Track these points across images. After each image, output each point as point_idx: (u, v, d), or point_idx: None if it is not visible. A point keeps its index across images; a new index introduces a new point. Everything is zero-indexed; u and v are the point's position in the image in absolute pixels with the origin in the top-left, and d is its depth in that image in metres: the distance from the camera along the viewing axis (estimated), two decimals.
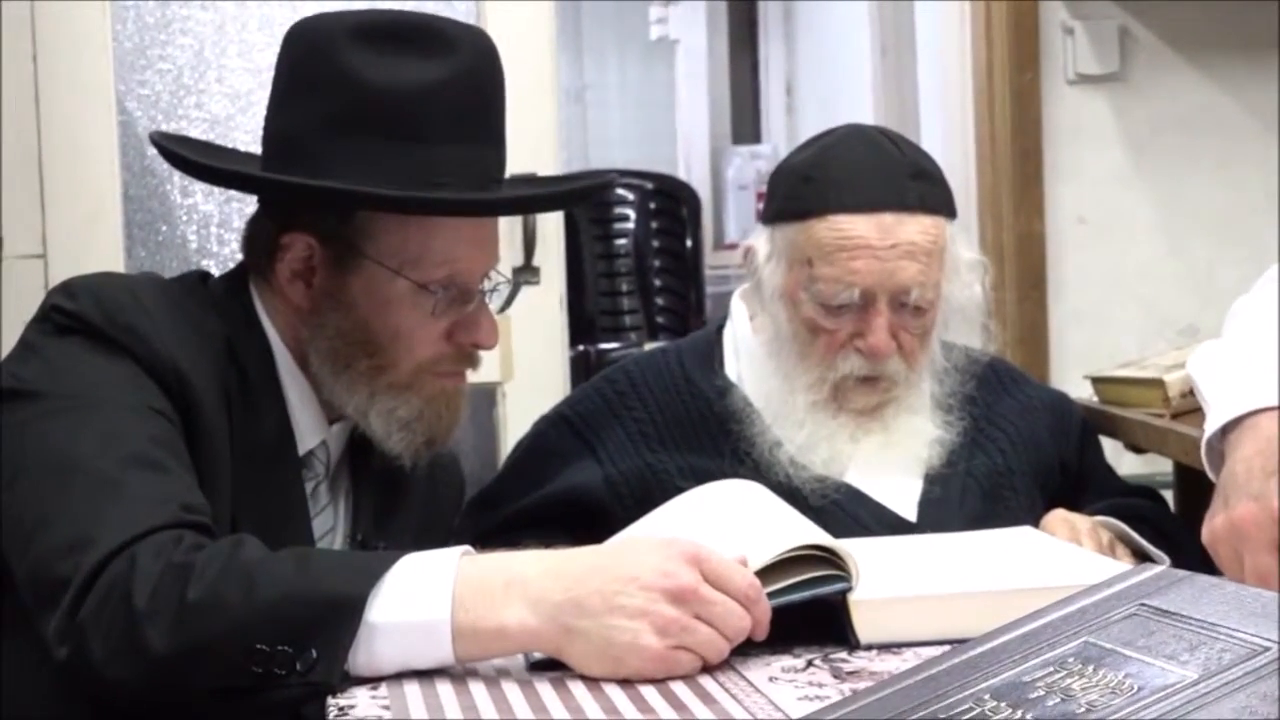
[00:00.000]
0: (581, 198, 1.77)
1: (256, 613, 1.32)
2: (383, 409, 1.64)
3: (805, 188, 1.95)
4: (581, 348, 4.53)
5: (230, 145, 3.17)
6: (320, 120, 1.61)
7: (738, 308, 2.07)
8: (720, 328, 2.09)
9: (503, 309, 1.71)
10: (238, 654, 1.32)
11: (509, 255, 3.22)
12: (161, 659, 1.32)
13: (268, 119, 1.68)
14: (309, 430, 1.68)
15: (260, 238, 1.67)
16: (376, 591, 1.33)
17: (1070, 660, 0.94)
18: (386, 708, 1.27)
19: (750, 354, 2.03)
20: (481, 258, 1.67)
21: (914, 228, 1.92)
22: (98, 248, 3.10)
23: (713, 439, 1.97)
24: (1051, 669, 0.93)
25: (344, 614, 1.32)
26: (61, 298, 1.58)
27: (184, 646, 1.32)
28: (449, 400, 1.67)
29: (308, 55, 1.64)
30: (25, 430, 1.49)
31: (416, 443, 1.66)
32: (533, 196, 1.88)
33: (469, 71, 1.63)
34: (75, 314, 1.56)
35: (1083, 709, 0.86)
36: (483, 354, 1.69)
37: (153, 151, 3.09)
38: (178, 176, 3.19)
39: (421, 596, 1.34)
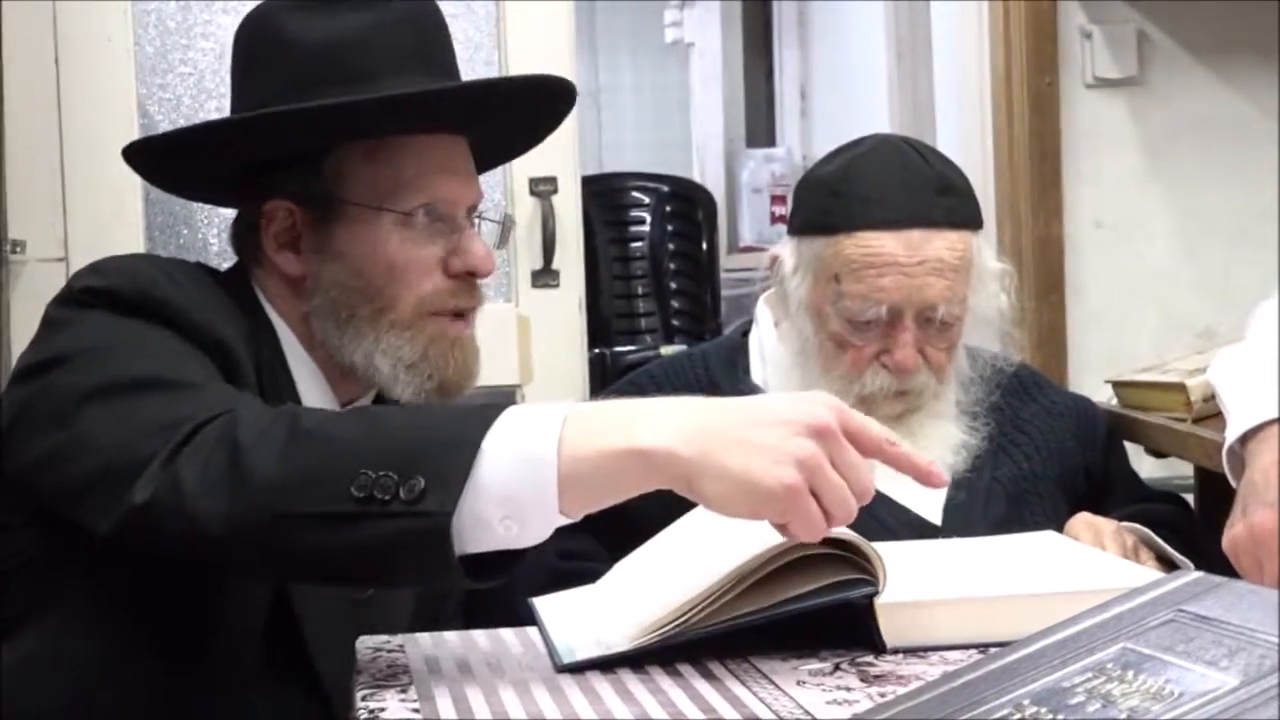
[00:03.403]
0: (541, 90, 1.71)
1: (367, 440, 1.26)
2: (387, 349, 1.62)
3: (832, 202, 1.95)
4: (597, 350, 4.53)
5: None
6: (274, 91, 1.62)
7: (763, 313, 2.07)
8: (746, 332, 2.09)
9: (500, 245, 1.71)
10: (341, 478, 1.24)
11: (528, 258, 3.23)
12: (261, 485, 1.26)
13: (231, 109, 1.70)
14: None
15: (242, 222, 1.69)
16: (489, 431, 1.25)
17: (1109, 666, 0.94)
18: (417, 710, 1.27)
19: (776, 361, 2.03)
20: (456, 184, 1.66)
21: (941, 244, 1.92)
22: (118, 250, 3.03)
23: None
24: (1090, 674, 0.93)
25: (457, 448, 1.24)
26: (89, 278, 1.53)
27: (286, 472, 1.26)
28: (453, 344, 1.65)
29: (252, 36, 1.68)
30: (72, 379, 1.42)
31: (426, 386, 1.63)
32: (486, 82, 1.88)
33: (404, 14, 1.65)
34: (106, 289, 1.51)
35: (1124, 714, 0.86)
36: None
37: None
38: None
39: (532, 430, 1.25)
